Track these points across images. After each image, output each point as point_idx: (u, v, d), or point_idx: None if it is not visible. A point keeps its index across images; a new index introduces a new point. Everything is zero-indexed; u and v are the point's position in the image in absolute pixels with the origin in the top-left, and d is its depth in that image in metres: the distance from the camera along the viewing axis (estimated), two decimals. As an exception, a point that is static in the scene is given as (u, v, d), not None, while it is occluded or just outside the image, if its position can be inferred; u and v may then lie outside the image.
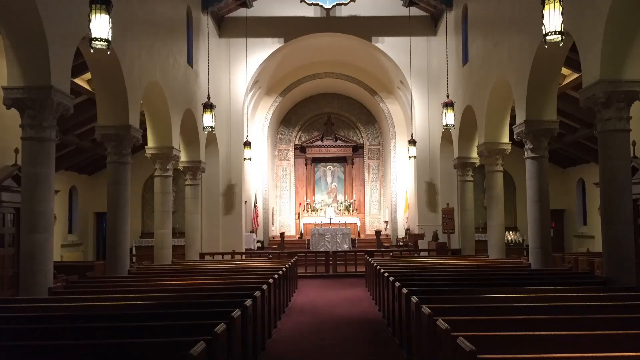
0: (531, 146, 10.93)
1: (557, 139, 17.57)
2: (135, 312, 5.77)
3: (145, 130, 13.27)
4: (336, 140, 24.75)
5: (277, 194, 24.82)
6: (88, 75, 12.99)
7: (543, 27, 7.36)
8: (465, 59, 15.95)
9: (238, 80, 19.24)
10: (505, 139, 13.88)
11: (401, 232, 22.20)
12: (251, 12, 18.80)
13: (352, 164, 25.04)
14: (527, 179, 11.10)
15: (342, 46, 20.48)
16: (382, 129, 24.62)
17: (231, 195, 19.11)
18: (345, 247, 20.49)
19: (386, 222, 24.09)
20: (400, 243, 21.22)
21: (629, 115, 8.13)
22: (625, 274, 7.95)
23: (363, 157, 25.04)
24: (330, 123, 24.81)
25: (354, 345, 7.70)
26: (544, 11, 7.29)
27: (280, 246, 20.18)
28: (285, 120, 25.09)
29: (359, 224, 23.71)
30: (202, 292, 7.37)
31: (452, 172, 18.14)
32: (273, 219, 24.14)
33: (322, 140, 24.76)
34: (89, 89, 13.57)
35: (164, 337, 4.63)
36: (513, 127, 11.60)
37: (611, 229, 8.08)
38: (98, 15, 6.93)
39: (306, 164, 25.07)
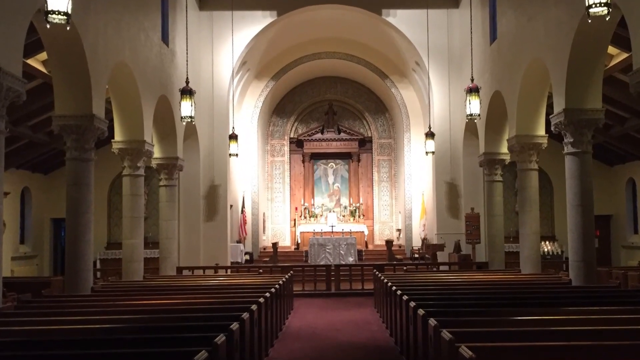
0: (572, 140, 10.93)
1: (603, 131, 17.58)
2: (100, 338, 5.76)
3: (111, 121, 13.26)
4: (339, 133, 24.75)
5: (269, 196, 24.83)
6: (44, 55, 12.98)
7: (586, -2, 7.35)
8: (493, 36, 15.94)
9: (222, 62, 19.23)
10: (541, 131, 13.87)
11: (417, 242, 22.19)
12: (238, -21, 18.83)
13: (359, 160, 25.05)
14: (567, 179, 11.10)
15: (346, 20, 20.46)
16: (394, 119, 24.61)
17: (214, 198, 19.11)
18: (350, 259, 20.49)
19: (399, 230, 24.07)
20: (416, 255, 21.21)
21: (688, 103, 8.14)
22: (684, 292, 7.94)
23: (371, 152, 25.04)
24: (332, 112, 24.81)
25: (360, 377, 7.69)
26: (587, -21, 7.28)
27: (273, 259, 20.17)
28: (279, 109, 25.09)
29: (366, 233, 23.71)
30: (180, 313, 7.36)
31: (477, 170, 18.14)
32: (264, 227, 24.14)
33: (322, 133, 24.76)
34: (45, 71, 13.56)
35: (133, 368, 4.62)
36: (550, 117, 11.60)
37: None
38: (55, -17, 6.92)
39: (304, 161, 25.07)
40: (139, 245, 13.70)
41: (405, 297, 8.22)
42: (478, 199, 18.51)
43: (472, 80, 12.92)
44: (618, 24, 9.96)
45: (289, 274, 13.69)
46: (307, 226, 23.72)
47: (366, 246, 23.50)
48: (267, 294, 9.07)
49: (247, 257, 21.86)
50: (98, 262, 19.38)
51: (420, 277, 12.53)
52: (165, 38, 15.60)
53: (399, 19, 19.34)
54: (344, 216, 24.47)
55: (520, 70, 13.41)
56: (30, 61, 12.87)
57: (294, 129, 25.23)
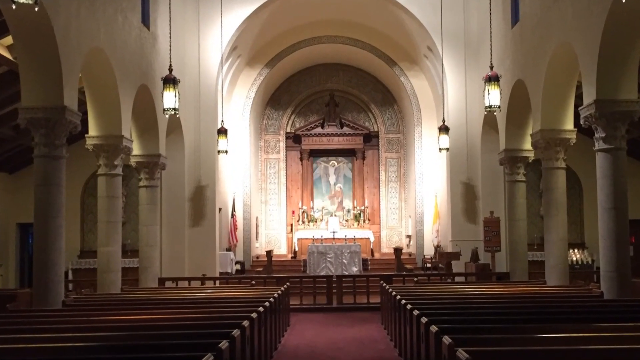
0: (603, 134, 10.92)
1: (639, 125, 17.57)
2: (73, 358, 5.75)
3: (85, 114, 13.25)
4: (342, 127, 24.76)
5: (262, 198, 24.83)
6: (9, 40, 12.97)
7: (620, -25, 7.36)
8: (515, 18, 15.94)
9: (210, 47, 19.23)
10: (569, 124, 13.87)
11: (429, 250, 22.19)
12: (228, -46, 18.82)
13: (364, 158, 25.06)
14: (598, 179, 11.09)
15: (349, 0, 20.46)
16: (403, 111, 24.61)
17: (201, 200, 19.10)
18: (354, 269, 20.49)
19: (409, 236, 24.07)
20: (428, 265, 21.21)
21: None
22: None
23: (378, 149, 25.05)
24: (333, 104, 24.82)
25: (365, 402, 7.70)
26: (620, -47, 7.29)
27: (267, 269, 20.17)
28: (274, 100, 25.10)
29: (372, 239, 23.72)
30: (163, 330, 7.36)
31: (497, 169, 18.13)
32: (257, 233, 24.15)
33: (322, 127, 24.77)
34: (10, 58, 13.55)
35: (110, 391, 4.62)
36: (579, 109, 11.60)
37: None
38: (22, -42, 6.92)
39: (302, 159, 25.08)
40: (116, 253, 13.68)
41: (416, 312, 8.22)
42: (498, 201, 18.51)
43: (492, 67, 12.91)
44: (656, 5, 9.96)
45: (285, 286, 13.71)
46: (305, 232, 23.72)
47: (372, 254, 23.51)
48: (261, 309, 9.08)
49: (238, 266, 21.85)
50: (70, 272, 19.37)
51: (432, 290, 12.55)
52: (145, 20, 15.58)
53: (409, -2, 19.35)
54: (347, 221, 24.46)
55: (546, 56, 13.40)
56: (-7, 46, 12.88)
57: (290, 122, 25.23)
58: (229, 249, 21.59)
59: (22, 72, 10.63)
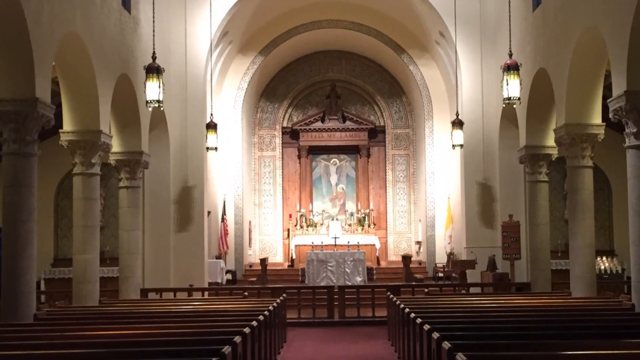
0: (635, 129, 10.91)
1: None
2: (45, 378, 5.75)
3: (59, 106, 13.25)
4: (344, 121, 24.76)
5: (256, 200, 24.83)
6: (-26, 24, 12.98)
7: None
8: (536, 0, 15.94)
9: (198, 32, 19.22)
10: (597, 118, 13.87)
11: (441, 258, 22.19)
12: None
13: (368, 156, 25.06)
14: (629, 179, 11.09)
15: (353, -19, 20.51)
16: (412, 104, 24.61)
17: (188, 202, 19.10)
18: (358, 279, 20.49)
19: (418, 242, 24.07)
20: (440, 274, 21.21)
21: None
22: None
23: (384, 145, 25.06)
24: (335, 95, 24.82)
25: None
26: None
27: (261, 278, 20.17)
28: (269, 92, 25.10)
29: (378, 246, 23.72)
30: (145, 347, 7.36)
31: (517, 168, 18.14)
32: (250, 239, 24.15)
33: (323, 121, 24.78)
34: (-24, 44, 13.56)
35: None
36: (608, 101, 11.60)
37: None
38: None
39: (300, 156, 25.08)
40: (94, 261, 13.68)
41: (426, 327, 8.22)
42: (518, 203, 18.51)
43: (511, 55, 12.90)
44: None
45: (281, 298, 13.71)
46: (304, 238, 23.72)
47: (378, 263, 23.51)
48: (255, 323, 9.08)
49: (229, 276, 21.86)
50: (42, 282, 19.38)
51: (445, 302, 12.56)
52: (126, 3, 15.58)
53: (419, -22, 19.38)
54: (350, 225, 24.47)
55: (571, 42, 13.40)
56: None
57: (287, 116, 25.23)
58: (219, 257, 21.60)
59: (-11, 60, 10.63)
